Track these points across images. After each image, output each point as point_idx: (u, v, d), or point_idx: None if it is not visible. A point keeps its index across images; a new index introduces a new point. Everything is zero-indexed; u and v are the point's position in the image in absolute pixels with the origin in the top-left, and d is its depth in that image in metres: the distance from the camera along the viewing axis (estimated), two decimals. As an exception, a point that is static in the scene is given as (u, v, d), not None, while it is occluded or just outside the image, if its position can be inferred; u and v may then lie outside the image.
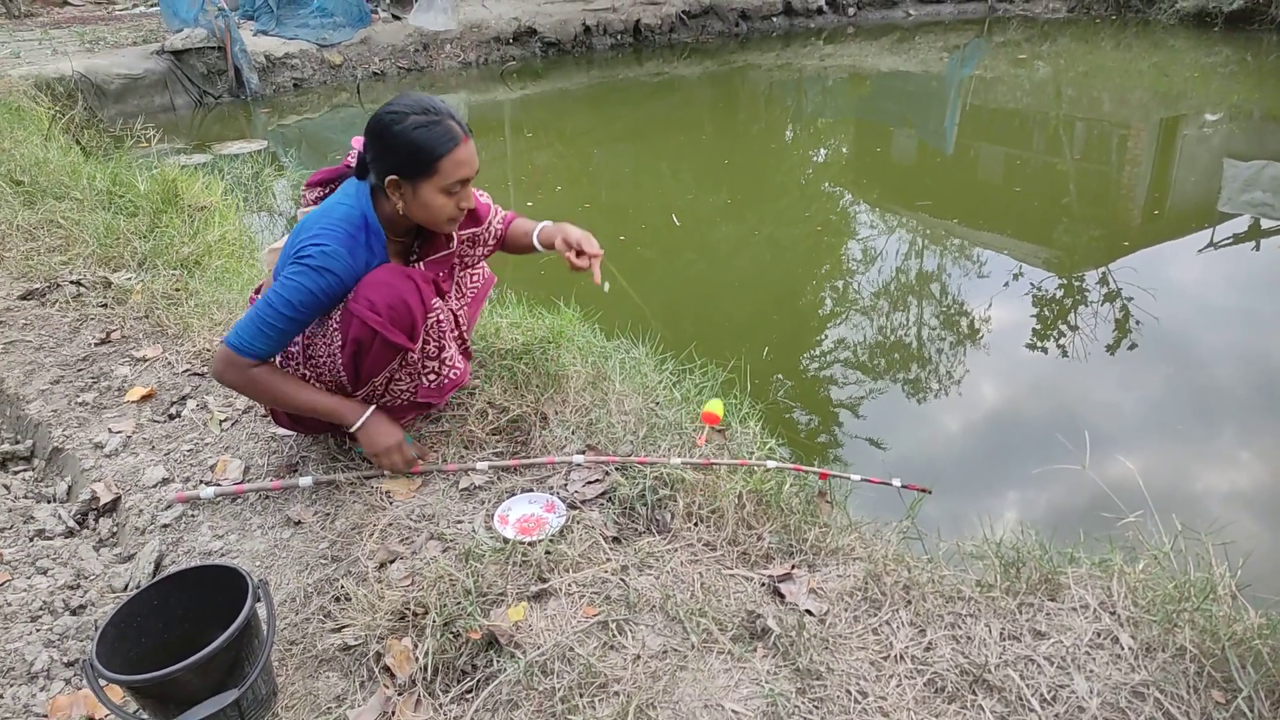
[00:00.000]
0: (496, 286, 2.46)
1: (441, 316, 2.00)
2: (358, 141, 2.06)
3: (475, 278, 2.41)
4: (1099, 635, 1.65)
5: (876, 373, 4.01)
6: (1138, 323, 4.30)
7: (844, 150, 8.85)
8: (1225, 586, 1.74)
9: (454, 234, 2.09)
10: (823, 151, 8.71)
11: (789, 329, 4.41)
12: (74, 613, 1.88)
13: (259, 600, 1.53)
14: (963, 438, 3.42)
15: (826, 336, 4.38)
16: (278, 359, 2.02)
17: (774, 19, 13.11)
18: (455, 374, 2.14)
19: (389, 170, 1.83)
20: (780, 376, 3.60)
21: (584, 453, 2.08)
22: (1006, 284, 4.95)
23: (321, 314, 1.92)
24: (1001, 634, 1.66)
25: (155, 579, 1.63)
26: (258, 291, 2.20)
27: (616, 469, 1.99)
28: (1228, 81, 9.76)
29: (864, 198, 7.07)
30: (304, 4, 10.57)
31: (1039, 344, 4.27)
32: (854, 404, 3.64)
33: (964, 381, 3.83)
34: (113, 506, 2.17)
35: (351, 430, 2.01)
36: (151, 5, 10.78)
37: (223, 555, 1.97)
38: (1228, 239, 5.59)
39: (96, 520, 2.16)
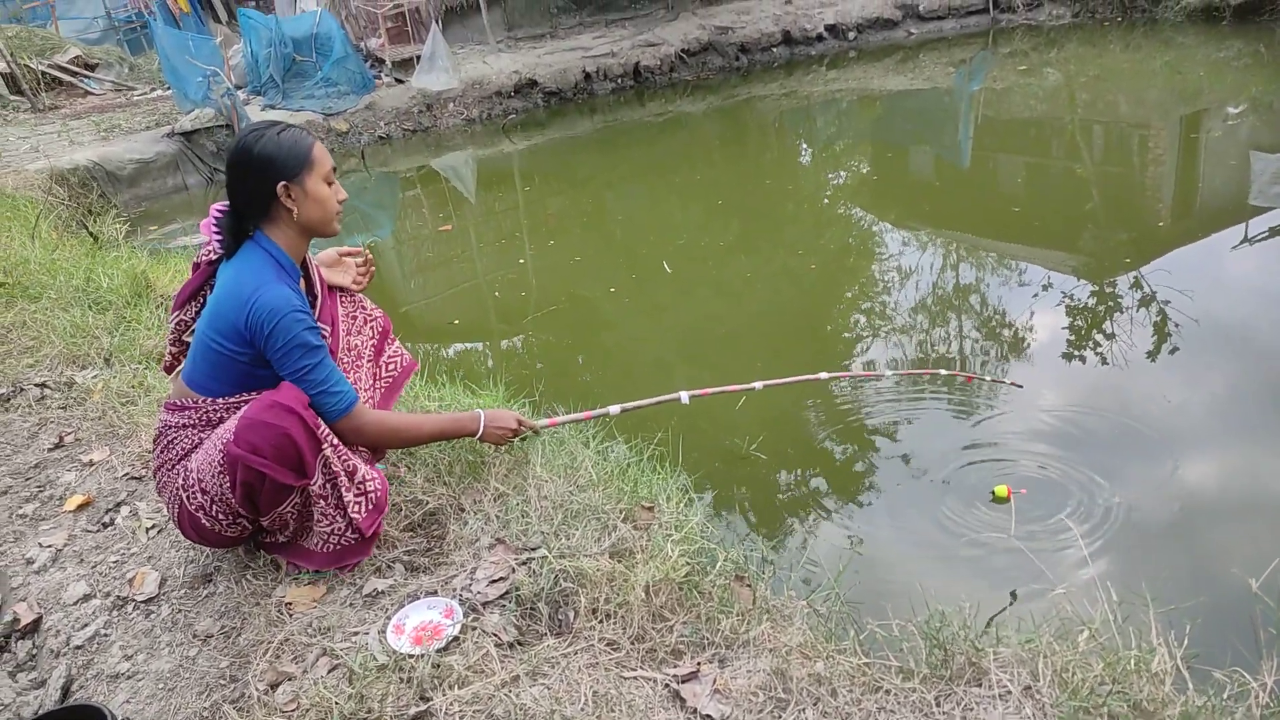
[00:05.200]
0: (418, 375, 2.42)
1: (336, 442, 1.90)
2: (206, 225, 2.02)
3: (392, 364, 2.37)
4: (1018, 730, 1.52)
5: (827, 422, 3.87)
6: (1176, 325, 4.21)
7: (863, 170, 8.76)
8: (1162, 663, 1.60)
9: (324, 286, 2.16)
10: (842, 174, 8.64)
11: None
12: (-25, 748, 1.85)
13: (117, 742, 1.48)
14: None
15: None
16: (175, 501, 1.99)
17: (774, 49, 13.09)
18: (377, 492, 2.00)
19: (275, 180, 1.90)
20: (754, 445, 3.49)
21: (493, 548, 2.01)
22: (1036, 295, 4.87)
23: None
24: (914, 732, 1.54)
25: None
26: None
27: (520, 564, 1.91)
28: (1243, 74, 9.48)
29: (884, 218, 6.96)
30: (309, 76, 10.84)
31: (1075, 353, 4.19)
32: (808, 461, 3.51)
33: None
34: (34, 628, 2.14)
35: (479, 438, 2.20)
36: (168, 89, 11.13)
37: (129, 677, 1.93)
38: (1263, 233, 5.38)
39: (16, 643, 2.14)
